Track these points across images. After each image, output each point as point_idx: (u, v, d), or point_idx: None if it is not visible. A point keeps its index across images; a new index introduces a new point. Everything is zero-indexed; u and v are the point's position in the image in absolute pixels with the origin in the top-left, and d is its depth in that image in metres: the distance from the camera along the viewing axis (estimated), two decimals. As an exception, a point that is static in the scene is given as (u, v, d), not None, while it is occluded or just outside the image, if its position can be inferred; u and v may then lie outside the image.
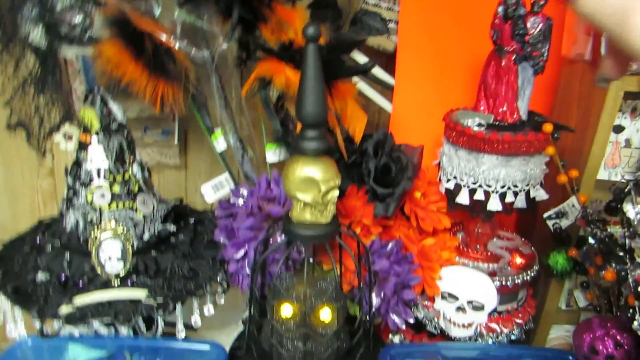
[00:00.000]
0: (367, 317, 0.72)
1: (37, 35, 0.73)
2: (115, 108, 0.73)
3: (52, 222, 0.84)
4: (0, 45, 0.75)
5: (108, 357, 0.67)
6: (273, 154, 0.84)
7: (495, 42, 0.75)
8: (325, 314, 0.67)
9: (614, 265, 0.68)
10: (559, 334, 0.94)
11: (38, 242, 0.77)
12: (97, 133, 0.71)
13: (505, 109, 0.76)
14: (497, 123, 0.76)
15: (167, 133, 1.21)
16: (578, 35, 0.76)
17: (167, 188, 1.22)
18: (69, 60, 0.94)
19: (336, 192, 0.63)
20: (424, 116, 0.94)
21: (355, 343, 0.69)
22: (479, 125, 0.75)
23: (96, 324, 0.68)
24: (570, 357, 0.74)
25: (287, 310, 0.67)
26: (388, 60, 0.97)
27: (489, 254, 0.83)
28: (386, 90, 0.95)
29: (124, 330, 0.69)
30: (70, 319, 0.66)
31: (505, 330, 0.80)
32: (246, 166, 0.82)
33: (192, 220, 0.85)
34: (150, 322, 0.71)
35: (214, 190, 0.83)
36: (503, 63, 0.75)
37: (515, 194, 0.75)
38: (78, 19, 0.73)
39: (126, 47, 0.68)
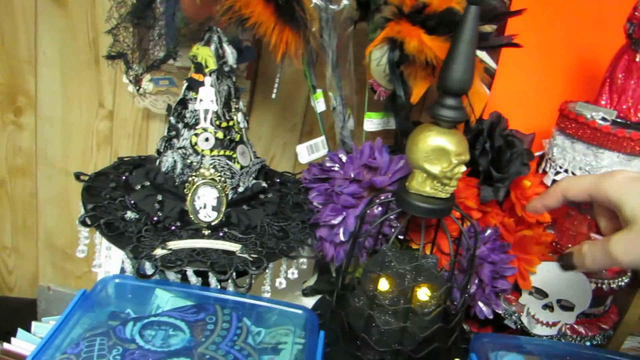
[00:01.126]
0: (463, 302, 0.69)
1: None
2: (229, 51, 0.69)
3: (139, 160, 0.80)
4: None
5: (197, 306, 0.64)
6: (371, 123, 0.81)
7: (631, 36, 0.72)
8: (427, 293, 0.64)
9: None
10: (632, 345, 0.91)
11: (125, 179, 0.74)
12: (210, 74, 0.68)
13: (630, 105, 0.72)
14: (618, 120, 0.72)
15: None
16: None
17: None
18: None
19: (463, 168, 0.60)
20: (524, 105, 0.90)
21: (451, 328, 0.66)
22: (603, 119, 0.71)
23: (189, 272, 0.65)
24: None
25: (385, 284, 0.65)
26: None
27: (584, 254, 0.80)
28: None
29: (213, 282, 0.66)
30: (164, 263, 0.62)
31: (590, 334, 0.77)
32: (345, 132, 0.79)
33: (277, 181, 0.82)
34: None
35: (308, 151, 0.80)
36: (638, 58, 0.71)
37: (628, 195, 0.72)
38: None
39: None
